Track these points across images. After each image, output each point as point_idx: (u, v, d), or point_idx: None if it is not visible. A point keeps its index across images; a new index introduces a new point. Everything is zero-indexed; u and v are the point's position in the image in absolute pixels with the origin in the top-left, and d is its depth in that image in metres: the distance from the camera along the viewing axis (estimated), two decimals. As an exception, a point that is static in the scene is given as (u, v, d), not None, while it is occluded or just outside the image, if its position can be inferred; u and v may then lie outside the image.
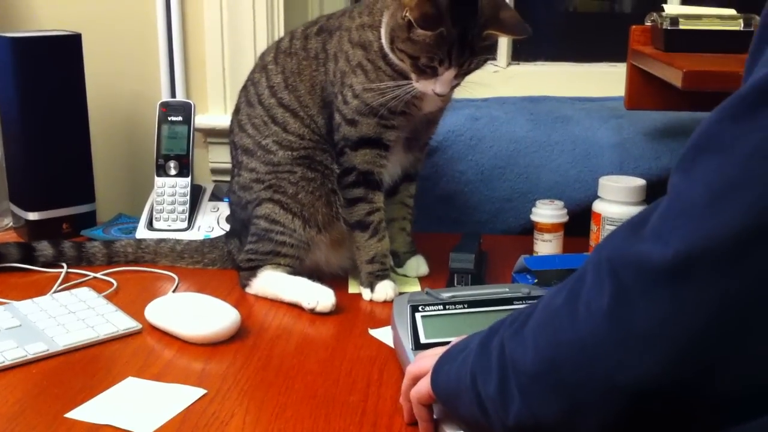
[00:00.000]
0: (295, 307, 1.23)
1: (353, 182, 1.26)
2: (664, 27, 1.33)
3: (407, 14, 1.12)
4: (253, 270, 1.29)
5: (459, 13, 1.12)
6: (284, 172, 1.28)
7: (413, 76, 1.17)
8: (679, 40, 1.33)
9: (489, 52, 1.19)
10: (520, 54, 1.91)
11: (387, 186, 1.31)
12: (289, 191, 1.27)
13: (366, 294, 1.27)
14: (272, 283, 1.27)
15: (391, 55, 1.19)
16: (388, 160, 1.28)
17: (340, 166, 1.27)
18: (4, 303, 1.19)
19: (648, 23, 1.41)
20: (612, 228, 1.31)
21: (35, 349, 1.06)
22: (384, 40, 1.19)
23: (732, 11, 1.37)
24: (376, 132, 1.24)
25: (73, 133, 1.53)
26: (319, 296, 1.22)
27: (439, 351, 0.83)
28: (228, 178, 1.42)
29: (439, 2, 1.12)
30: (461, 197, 1.59)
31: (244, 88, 1.36)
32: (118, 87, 1.73)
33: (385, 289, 1.25)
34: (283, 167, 1.28)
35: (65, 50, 1.50)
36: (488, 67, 1.82)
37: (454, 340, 0.83)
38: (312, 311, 1.21)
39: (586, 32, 2.05)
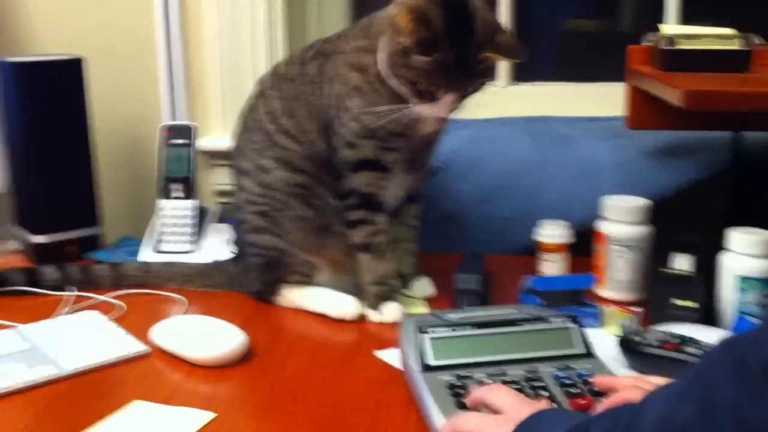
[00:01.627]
0: (301, 328, 1.24)
1: (355, 204, 1.27)
2: (662, 47, 1.34)
3: (403, 40, 1.13)
4: (271, 294, 1.32)
5: (455, 37, 1.13)
6: (276, 201, 1.28)
7: (412, 100, 1.18)
8: (677, 60, 1.34)
9: (487, 74, 1.20)
10: (519, 74, 1.92)
11: (390, 208, 1.31)
12: (286, 228, 1.28)
13: (372, 315, 1.27)
14: (295, 297, 1.31)
15: (389, 80, 1.19)
16: (389, 181, 1.28)
17: (341, 188, 1.27)
18: (13, 326, 1.20)
19: (645, 43, 1.42)
20: (617, 248, 1.32)
21: (44, 372, 1.06)
22: (382, 65, 1.19)
23: (730, 30, 1.38)
24: (375, 154, 1.25)
25: (77, 156, 1.54)
26: (344, 305, 1.26)
27: (488, 416, 0.83)
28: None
29: (435, 27, 1.12)
30: (464, 217, 1.60)
31: (244, 113, 1.36)
32: (121, 110, 1.73)
33: (391, 311, 1.26)
34: (275, 192, 1.28)
35: (68, 74, 1.51)
36: (488, 88, 1.84)
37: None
38: (338, 320, 1.25)
39: (585, 52, 2.06)
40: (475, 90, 1.19)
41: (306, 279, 1.31)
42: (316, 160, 1.28)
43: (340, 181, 1.27)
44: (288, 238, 1.29)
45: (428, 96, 1.16)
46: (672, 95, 1.20)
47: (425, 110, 1.18)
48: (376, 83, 1.21)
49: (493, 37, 1.16)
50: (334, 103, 1.25)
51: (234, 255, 1.42)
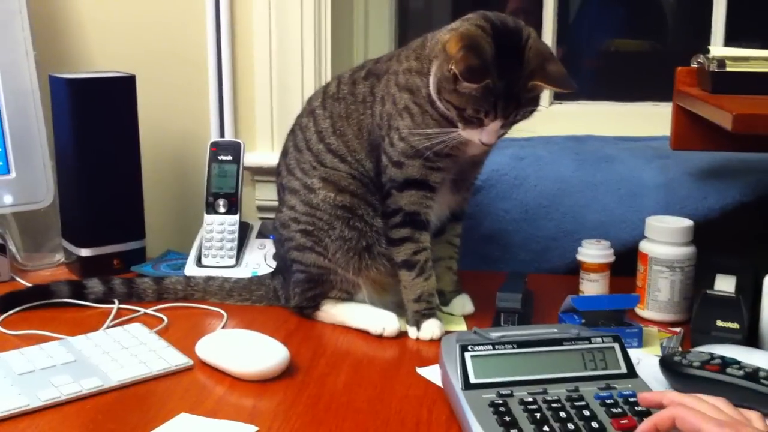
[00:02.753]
0: (341, 344, 1.25)
1: (399, 223, 1.27)
2: (711, 69, 1.34)
3: (453, 67, 1.13)
4: (312, 309, 1.33)
5: (504, 65, 1.14)
6: (321, 221, 1.29)
7: (459, 125, 1.19)
8: (726, 82, 1.33)
9: (535, 103, 1.20)
10: (562, 93, 1.92)
11: (434, 227, 1.32)
12: (330, 249, 1.29)
13: (412, 332, 1.27)
14: (336, 313, 1.32)
15: (438, 104, 1.20)
16: (435, 201, 1.29)
17: (386, 207, 1.28)
18: (59, 338, 1.22)
19: (694, 65, 1.42)
20: (659, 269, 1.31)
21: (90, 384, 1.08)
22: (432, 89, 1.20)
23: (779, 53, 1.37)
24: (421, 174, 1.25)
25: (126, 171, 1.56)
26: (384, 322, 1.27)
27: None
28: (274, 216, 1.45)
29: (485, 54, 1.13)
30: (505, 236, 1.60)
31: (292, 132, 1.38)
32: (170, 127, 1.76)
33: (431, 328, 1.26)
34: (320, 212, 1.29)
35: (120, 91, 1.54)
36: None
37: None
38: (380, 336, 1.26)
39: (627, 71, 2.05)
40: (523, 118, 1.20)
41: (347, 296, 1.32)
42: (362, 180, 1.29)
43: (385, 201, 1.28)
44: (330, 257, 1.30)
45: (476, 122, 1.17)
46: (722, 118, 1.19)
47: (472, 136, 1.18)
48: (425, 105, 1.22)
49: (543, 67, 1.16)
50: (384, 122, 1.26)
51: (274, 269, 1.43)
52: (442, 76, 1.16)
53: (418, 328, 1.27)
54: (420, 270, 1.28)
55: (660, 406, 0.88)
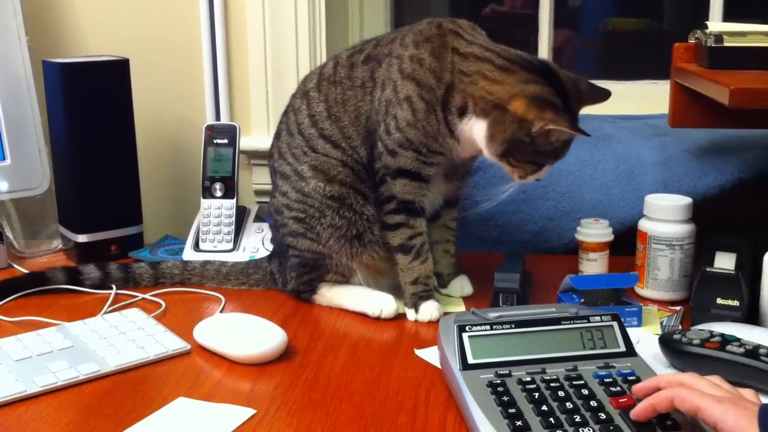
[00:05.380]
0: (339, 326, 1.25)
1: (394, 209, 1.26)
2: (708, 44, 1.33)
3: (540, 127, 1.13)
4: (309, 293, 1.33)
5: (564, 105, 1.16)
6: (312, 208, 1.28)
7: (512, 170, 1.21)
8: (723, 58, 1.32)
9: None
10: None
11: (429, 214, 1.31)
12: (322, 236, 1.28)
13: (410, 314, 1.27)
14: (333, 296, 1.32)
15: (496, 160, 1.20)
16: (429, 191, 1.28)
17: (380, 194, 1.27)
18: (56, 324, 1.21)
19: (692, 41, 1.41)
20: (659, 247, 1.31)
21: (87, 369, 1.08)
22: (489, 151, 1.19)
23: (777, 27, 1.36)
24: (414, 166, 1.24)
25: (121, 156, 1.55)
26: (382, 304, 1.27)
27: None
28: (270, 200, 1.44)
29: (559, 104, 1.15)
30: (503, 217, 1.59)
31: (285, 113, 1.36)
32: (165, 111, 1.75)
33: (429, 310, 1.26)
34: (312, 200, 1.28)
35: (113, 75, 1.53)
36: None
37: None
38: (378, 318, 1.26)
39: (625, 51, 2.05)
40: None
41: (343, 279, 1.32)
42: (353, 168, 1.28)
43: (379, 187, 1.27)
44: (324, 243, 1.29)
45: (535, 168, 1.20)
46: (719, 93, 1.19)
47: (529, 178, 1.22)
48: (436, 107, 1.20)
49: (579, 89, 1.19)
50: (381, 107, 1.24)
51: (270, 253, 1.42)
52: (516, 140, 1.15)
53: (417, 310, 1.26)
54: (416, 254, 1.27)
55: (657, 390, 0.88)
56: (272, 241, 1.43)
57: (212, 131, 1.55)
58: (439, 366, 1.08)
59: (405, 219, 1.26)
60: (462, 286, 1.36)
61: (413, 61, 1.21)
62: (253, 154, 1.72)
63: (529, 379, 0.95)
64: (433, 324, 1.23)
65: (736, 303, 1.17)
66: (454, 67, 1.20)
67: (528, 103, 1.14)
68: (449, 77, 1.20)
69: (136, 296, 1.35)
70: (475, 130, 1.19)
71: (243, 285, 1.40)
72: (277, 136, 1.36)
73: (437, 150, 1.23)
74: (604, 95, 1.23)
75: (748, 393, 0.86)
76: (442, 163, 1.26)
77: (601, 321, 1.03)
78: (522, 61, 1.18)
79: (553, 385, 0.94)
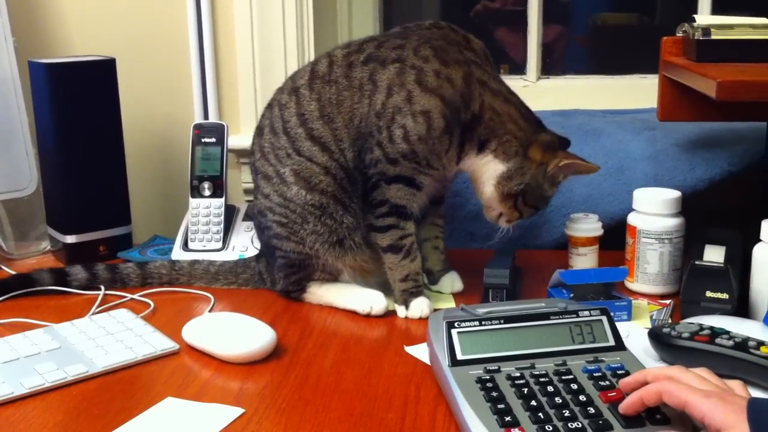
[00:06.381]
0: (329, 324, 1.24)
1: (386, 213, 1.26)
2: (696, 37, 1.33)
3: (555, 165, 1.25)
4: (298, 292, 1.32)
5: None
6: (295, 214, 1.27)
7: (507, 219, 1.31)
8: (711, 51, 1.32)
9: None
10: (549, 68, 1.91)
11: (416, 217, 1.30)
12: (307, 240, 1.28)
13: (401, 311, 1.26)
14: (323, 293, 1.31)
15: (497, 200, 1.28)
16: (420, 198, 1.28)
17: (372, 198, 1.26)
18: (44, 326, 1.21)
19: (679, 34, 1.41)
20: (648, 241, 1.30)
21: (75, 371, 1.07)
22: (497, 187, 1.26)
23: (765, 20, 1.36)
24: (412, 174, 1.24)
25: (109, 156, 1.55)
26: (372, 301, 1.26)
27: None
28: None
29: (562, 146, 1.28)
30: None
31: (269, 107, 1.33)
32: (152, 110, 1.75)
33: (420, 306, 1.25)
34: (294, 206, 1.27)
35: (100, 75, 1.52)
36: (518, 82, 1.83)
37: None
38: (368, 316, 1.25)
39: (615, 45, 2.04)
40: None
41: (331, 277, 1.31)
42: (335, 176, 1.26)
43: (371, 192, 1.26)
44: (309, 246, 1.28)
45: (532, 212, 1.31)
46: (706, 86, 1.18)
47: (504, 225, 1.32)
48: (454, 129, 1.23)
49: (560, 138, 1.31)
50: (386, 113, 1.22)
51: (258, 253, 1.42)
52: (531, 182, 1.25)
53: (407, 307, 1.26)
54: (406, 252, 1.27)
55: (644, 385, 0.87)
56: (259, 241, 1.42)
57: (200, 130, 1.55)
58: (428, 363, 1.07)
59: (395, 221, 1.26)
60: (452, 282, 1.36)
61: (440, 77, 1.21)
62: (242, 153, 1.72)
63: (518, 374, 0.95)
64: (423, 321, 1.22)
65: (725, 296, 1.17)
66: (483, 100, 1.23)
67: (543, 149, 1.25)
68: (478, 108, 1.23)
69: (125, 297, 1.34)
70: (489, 168, 1.26)
71: (232, 285, 1.39)
72: (260, 132, 1.33)
73: (436, 166, 1.25)
74: (567, 143, 1.31)
75: (736, 385, 0.86)
76: (437, 176, 1.28)
77: (590, 315, 1.03)
78: (530, 113, 1.30)
79: (542, 380, 0.93)
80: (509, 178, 1.24)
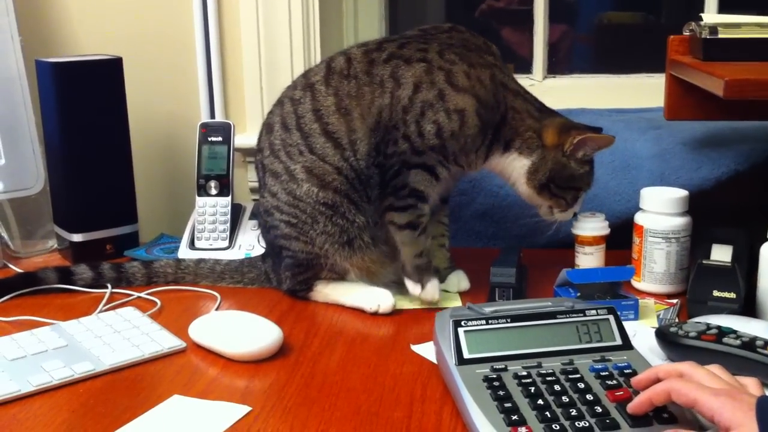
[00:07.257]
0: (335, 322, 1.24)
1: (406, 195, 1.26)
2: (703, 36, 1.32)
3: (570, 143, 1.26)
4: (305, 291, 1.32)
5: None
6: (305, 213, 1.27)
7: (557, 209, 1.32)
8: (718, 49, 1.32)
9: None
10: (555, 67, 1.91)
11: (432, 206, 1.31)
12: (316, 241, 1.28)
13: (415, 289, 1.27)
14: (330, 292, 1.31)
15: (534, 195, 1.30)
16: (438, 187, 1.29)
17: (394, 185, 1.26)
18: (51, 324, 1.21)
19: (686, 33, 1.40)
20: (655, 240, 1.30)
21: (82, 368, 1.07)
22: (528, 182, 1.28)
23: (771, 19, 1.36)
24: (434, 164, 1.26)
25: (115, 155, 1.55)
26: (379, 299, 1.27)
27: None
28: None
29: (578, 125, 1.29)
30: (499, 212, 1.58)
31: (280, 104, 1.33)
32: (159, 109, 1.75)
33: (434, 289, 1.27)
34: (304, 205, 1.27)
35: (107, 74, 1.52)
36: (524, 81, 1.83)
37: None
38: (375, 314, 1.26)
39: (621, 44, 2.04)
40: None
41: (338, 276, 1.31)
42: (347, 176, 1.26)
43: (392, 180, 1.26)
44: (318, 246, 1.28)
45: (574, 195, 1.31)
46: (714, 85, 1.18)
47: (564, 216, 1.33)
48: (487, 128, 1.26)
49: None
50: (415, 108, 1.23)
51: (264, 251, 1.42)
52: (554, 166, 1.27)
53: (423, 287, 1.27)
54: (423, 230, 1.28)
55: (656, 382, 0.87)
56: (263, 239, 1.42)
57: (207, 129, 1.55)
58: (435, 361, 1.07)
59: (415, 202, 1.27)
60: (459, 281, 1.36)
61: (470, 78, 1.24)
62: (248, 152, 1.72)
63: (525, 373, 0.95)
64: (430, 319, 1.22)
65: (732, 295, 1.17)
66: (506, 102, 1.27)
67: (557, 132, 1.27)
68: (503, 110, 1.26)
69: (132, 295, 1.35)
70: (515, 165, 1.29)
71: (238, 283, 1.39)
72: (269, 129, 1.33)
73: (461, 163, 1.28)
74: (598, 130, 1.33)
75: (750, 382, 0.86)
76: (457, 172, 1.30)
77: (597, 314, 1.03)
78: (545, 107, 1.32)
79: (549, 379, 0.93)
80: (535, 171, 1.27)
